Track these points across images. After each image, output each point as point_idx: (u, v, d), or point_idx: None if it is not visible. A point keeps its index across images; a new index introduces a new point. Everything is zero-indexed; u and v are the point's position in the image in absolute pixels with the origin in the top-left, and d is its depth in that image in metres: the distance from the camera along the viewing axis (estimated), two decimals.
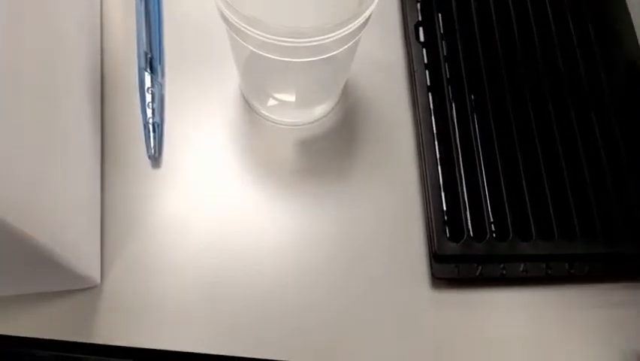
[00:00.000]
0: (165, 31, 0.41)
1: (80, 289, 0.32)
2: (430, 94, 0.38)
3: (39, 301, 0.31)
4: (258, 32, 0.27)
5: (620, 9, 0.42)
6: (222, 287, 0.33)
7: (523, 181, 0.35)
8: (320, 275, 0.34)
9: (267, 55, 0.29)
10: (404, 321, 0.33)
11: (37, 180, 0.25)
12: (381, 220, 0.36)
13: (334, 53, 0.29)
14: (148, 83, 0.37)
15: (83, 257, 0.30)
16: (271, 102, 0.39)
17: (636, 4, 0.42)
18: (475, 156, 0.36)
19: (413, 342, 0.33)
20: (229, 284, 0.33)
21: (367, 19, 0.28)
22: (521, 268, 0.34)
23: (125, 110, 0.38)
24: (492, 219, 0.34)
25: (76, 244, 0.29)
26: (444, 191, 0.35)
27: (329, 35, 0.27)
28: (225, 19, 0.29)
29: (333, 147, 0.38)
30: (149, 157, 0.36)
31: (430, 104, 0.38)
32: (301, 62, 0.29)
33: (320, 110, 0.38)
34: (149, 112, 0.37)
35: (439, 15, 0.41)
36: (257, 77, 0.38)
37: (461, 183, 0.35)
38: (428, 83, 0.39)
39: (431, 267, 0.34)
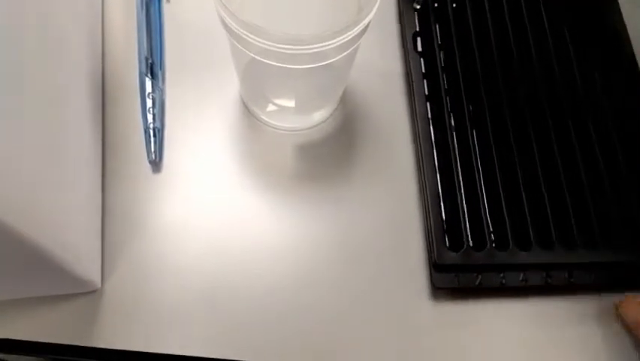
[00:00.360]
0: (166, 37, 0.41)
1: (81, 293, 0.32)
2: (428, 104, 0.39)
3: (40, 305, 0.32)
4: (258, 39, 0.28)
5: (614, 13, 0.43)
6: (222, 291, 0.33)
7: (522, 190, 0.35)
8: (318, 280, 0.34)
9: (267, 61, 0.29)
10: (402, 329, 0.33)
11: (37, 183, 0.25)
12: (379, 227, 0.36)
13: (333, 60, 0.29)
14: (149, 88, 0.38)
15: (84, 261, 0.30)
16: (270, 108, 0.39)
17: (625, 3, 0.42)
18: (473, 165, 0.36)
19: (411, 351, 0.33)
20: (229, 288, 0.33)
21: (366, 27, 0.29)
22: (521, 278, 0.34)
23: (126, 115, 0.38)
24: (491, 229, 0.35)
25: (76, 248, 0.29)
26: (443, 200, 0.35)
27: (328, 43, 0.27)
28: (226, 25, 0.29)
29: (332, 153, 0.38)
30: (150, 162, 0.36)
31: (428, 114, 0.38)
32: (301, 68, 0.30)
33: (319, 115, 0.39)
34: (149, 117, 0.37)
35: (437, 25, 0.41)
36: (256, 82, 0.38)
37: (460, 192, 0.35)
38: (426, 93, 0.39)
39: (431, 276, 0.34)
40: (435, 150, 0.37)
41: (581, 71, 0.40)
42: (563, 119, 0.38)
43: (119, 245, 0.34)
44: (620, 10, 0.43)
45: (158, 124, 0.37)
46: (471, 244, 0.34)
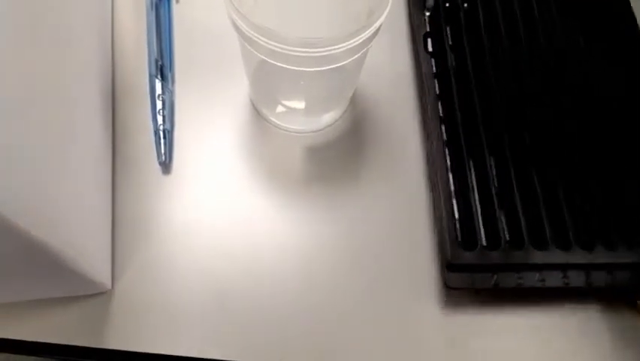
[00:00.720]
0: (175, 38, 0.41)
1: (91, 295, 0.32)
2: (439, 102, 0.38)
3: (50, 306, 0.32)
4: (268, 42, 0.28)
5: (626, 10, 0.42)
6: (233, 292, 0.33)
7: (537, 188, 0.35)
8: (328, 281, 0.34)
9: (277, 64, 0.29)
10: (414, 330, 0.33)
11: (48, 184, 0.25)
12: (388, 229, 0.36)
13: (343, 63, 0.29)
14: (159, 90, 0.38)
15: (94, 262, 0.31)
16: (280, 109, 0.39)
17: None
18: (486, 163, 0.36)
19: (422, 354, 0.33)
20: (239, 289, 0.33)
21: (377, 30, 0.29)
22: (537, 278, 0.33)
23: (136, 117, 0.38)
24: (506, 228, 0.34)
25: (87, 249, 0.30)
26: (455, 199, 0.34)
27: (339, 46, 0.27)
28: (237, 27, 0.29)
29: (341, 155, 0.38)
30: (160, 163, 0.36)
31: (439, 113, 0.38)
32: (311, 71, 0.30)
33: (328, 118, 0.39)
34: (159, 119, 0.37)
35: (447, 26, 0.41)
36: (266, 84, 0.38)
37: (473, 190, 0.35)
38: (437, 92, 0.39)
39: (445, 277, 0.33)
40: (446, 149, 0.36)
41: (596, 69, 0.39)
42: (576, 111, 0.38)
43: (129, 246, 0.34)
44: (630, 7, 0.42)
45: (168, 126, 0.37)
46: (485, 244, 0.33)
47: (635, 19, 0.41)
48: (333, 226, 0.35)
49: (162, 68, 0.39)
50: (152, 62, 0.39)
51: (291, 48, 0.27)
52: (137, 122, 0.38)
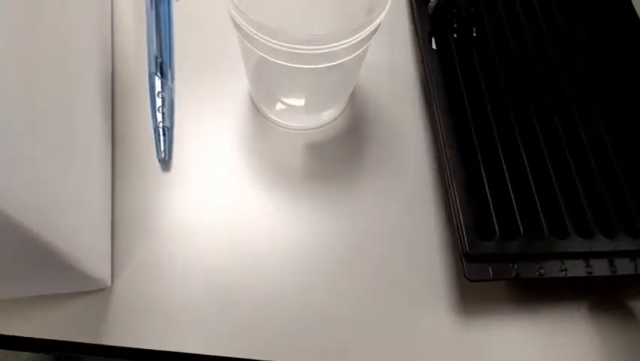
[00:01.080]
0: (175, 36, 0.41)
1: (91, 291, 0.32)
2: (445, 93, 0.38)
3: (50, 302, 0.32)
4: (268, 39, 0.28)
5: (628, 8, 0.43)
6: (233, 289, 0.33)
7: (552, 175, 0.34)
8: (329, 279, 0.34)
9: (277, 61, 0.29)
10: (419, 329, 0.33)
11: (48, 181, 0.25)
12: (390, 225, 0.36)
13: (343, 60, 0.29)
14: (158, 87, 0.38)
15: (94, 259, 0.31)
16: (279, 107, 0.39)
17: None
18: (498, 152, 0.35)
19: (427, 352, 0.33)
20: (239, 286, 0.33)
21: (377, 28, 0.29)
22: (560, 268, 0.32)
23: (136, 114, 0.38)
24: (523, 216, 0.33)
25: (86, 246, 0.30)
26: (469, 189, 0.34)
27: (339, 43, 0.27)
28: (237, 25, 0.29)
29: (341, 152, 0.38)
30: (160, 161, 0.36)
31: (447, 105, 0.37)
32: (310, 68, 0.30)
33: (328, 115, 0.39)
34: (159, 116, 0.37)
35: (451, 23, 0.42)
36: (266, 82, 0.38)
37: (486, 180, 0.34)
38: (444, 86, 0.38)
39: (463, 268, 0.32)
40: (457, 140, 0.36)
41: (599, 61, 0.40)
42: (586, 101, 0.38)
43: (128, 243, 0.34)
44: (632, 5, 0.43)
45: (167, 123, 0.37)
46: (503, 233, 0.32)
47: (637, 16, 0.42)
48: (333, 224, 0.35)
49: (162, 65, 0.39)
50: (152, 60, 0.39)
51: (291, 45, 0.27)
52: (136, 119, 0.38)
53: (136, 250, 0.34)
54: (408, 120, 0.40)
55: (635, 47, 0.41)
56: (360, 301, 0.33)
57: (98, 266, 0.31)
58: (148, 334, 0.32)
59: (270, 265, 0.34)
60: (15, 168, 0.21)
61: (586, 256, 0.33)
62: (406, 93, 0.41)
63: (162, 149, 0.36)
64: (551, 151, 0.36)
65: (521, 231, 0.33)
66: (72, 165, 0.28)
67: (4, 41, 0.21)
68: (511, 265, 0.32)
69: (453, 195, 0.33)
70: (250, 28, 0.28)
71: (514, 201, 0.34)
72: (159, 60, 0.39)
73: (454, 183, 0.34)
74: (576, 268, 0.32)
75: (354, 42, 0.28)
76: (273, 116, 0.39)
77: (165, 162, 0.36)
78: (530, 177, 0.35)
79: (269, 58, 0.29)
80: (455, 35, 0.41)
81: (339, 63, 0.30)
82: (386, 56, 0.42)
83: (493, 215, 0.33)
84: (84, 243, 0.29)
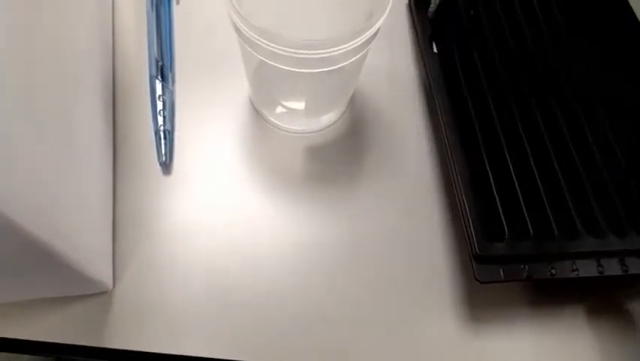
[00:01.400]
0: (176, 39, 0.42)
1: (92, 294, 0.32)
2: (447, 95, 0.38)
3: (52, 305, 0.32)
4: (268, 43, 0.28)
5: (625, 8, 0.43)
6: (233, 292, 0.33)
7: (560, 176, 0.34)
8: (329, 282, 0.34)
9: (277, 65, 0.30)
10: (419, 330, 0.33)
11: (49, 184, 0.25)
12: (390, 228, 0.36)
13: (343, 64, 0.30)
14: (159, 90, 0.38)
15: (95, 262, 0.31)
16: (280, 110, 0.39)
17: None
18: (504, 153, 0.36)
19: (428, 354, 0.33)
20: (240, 289, 0.33)
21: (376, 32, 0.29)
22: (572, 268, 0.32)
23: (137, 118, 0.38)
24: (531, 216, 0.33)
25: (88, 249, 0.30)
26: (476, 190, 0.34)
27: (338, 48, 0.28)
28: (237, 29, 0.29)
29: (341, 155, 0.38)
30: (160, 164, 0.36)
31: (450, 105, 0.37)
32: (310, 72, 0.30)
33: (328, 118, 0.39)
34: (160, 119, 0.37)
35: (451, 24, 0.42)
36: (266, 85, 0.38)
37: (493, 182, 0.34)
38: (446, 88, 0.38)
39: (473, 270, 0.31)
40: (461, 141, 0.36)
41: (599, 59, 0.40)
42: (587, 103, 0.38)
43: (130, 246, 0.34)
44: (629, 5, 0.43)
45: (168, 126, 0.37)
46: (512, 234, 0.32)
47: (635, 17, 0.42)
48: (334, 226, 0.36)
49: (163, 68, 0.39)
50: (153, 63, 0.39)
51: (291, 50, 0.28)
52: (137, 122, 0.38)
53: (137, 253, 0.34)
54: (408, 123, 0.40)
55: (633, 46, 0.41)
56: (360, 303, 0.33)
57: (99, 269, 0.31)
58: (149, 336, 0.32)
59: (271, 266, 0.34)
60: (15, 170, 0.21)
61: (597, 256, 0.32)
62: (406, 96, 0.41)
63: (163, 152, 0.36)
64: (557, 150, 0.36)
65: (531, 231, 0.33)
66: (72, 166, 0.28)
67: (4, 42, 0.22)
68: (522, 266, 0.32)
69: (460, 197, 0.33)
70: (250, 33, 0.28)
71: (522, 201, 0.34)
72: (160, 63, 0.39)
73: (461, 185, 0.34)
74: (587, 268, 0.32)
75: (354, 46, 0.28)
76: (273, 120, 0.39)
77: (166, 165, 0.37)
78: (537, 176, 0.35)
79: (269, 62, 0.30)
80: (456, 38, 0.41)
81: (339, 67, 0.30)
82: (386, 59, 0.42)
83: (502, 216, 0.33)
84: (85, 245, 0.29)
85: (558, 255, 0.32)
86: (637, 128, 0.37)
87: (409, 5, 0.44)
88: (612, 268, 0.32)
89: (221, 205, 0.36)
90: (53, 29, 0.28)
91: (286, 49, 0.28)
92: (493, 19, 0.42)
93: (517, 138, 0.36)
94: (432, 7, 0.42)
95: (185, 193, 0.36)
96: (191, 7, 0.43)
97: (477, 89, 0.38)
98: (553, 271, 0.32)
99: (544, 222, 0.33)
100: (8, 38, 0.22)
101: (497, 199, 0.34)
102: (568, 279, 0.32)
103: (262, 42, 0.28)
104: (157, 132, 0.37)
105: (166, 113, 0.38)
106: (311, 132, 0.39)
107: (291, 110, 0.39)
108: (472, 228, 0.32)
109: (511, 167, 0.35)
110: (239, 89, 0.40)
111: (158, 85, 0.38)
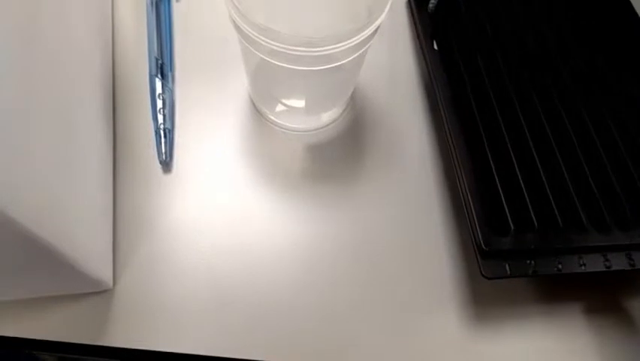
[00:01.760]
0: (176, 37, 0.42)
1: (93, 293, 0.32)
2: (450, 91, 0.38)
3: (52, 304, 0.32)
4: (268, 41, 0.28)
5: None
6: (234, 290, 0.33)
7: (564, 170, 0.34)
8: (330, 280, 0.34)
9: (277, 63, 0.29)
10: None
11: (49, 182, 0.25)
12: (391, 225, 0.36)
13: (343, 62, 0.30)
14: (159, 89, 0.38)
15: (95, 260, 0.31)
16: (280, 108, 0.39)
17: None
18: (508, 148, 0.35)
19: (428, 353, 0.32)
20: (241, 287, 0.33)
21: (376, 30, 0.29)
22: (579, 263, 0.32)
23: (137, 116, 0.38)
24: (536, 211, 0.33)
25: (88, 247, 0.30)
26: (480, 185, 0.34)
27: (338, 45, 0.28)
28: (237, 26, 0.29)
29: (341, 153, 0.38)
30: (161, 162, 0.36)
31: (452, 101, 0.37)
32: (310, 70, 0.30)
33: (328, 116, 0.39)
34: (160, 118, 0.37)
35: (451, 21, 0.42)
36: (266, 83, 0.38)
37: (496, 176, 0.34)
38: (448, 83, 0.38)
39: (478, 265, 0.31)
40: (464, 136, 0.36)
41: (600, 55, 0.40)
42: (590, 97, 0.38)
43: (130, 245, 0.34)
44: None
45: (168, 125, 0.37)
46: (517, 228, 0.32)
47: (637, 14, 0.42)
48: (334, 224, 0.36)
49: (162, 67, 0.39)
50: (153, 61, 0.39)
51: (291, 47, 0.27)
52: (137, 121, 0.38)
53: (138, 252, 0.34)
54: (408, 121, 0.40)
55: (636, 42, 0.41)
56: (363, 302, 0.33)
57: (99, 267, 0.31)
58: (150, 334, 0.32)
59: (271, 265, 0.34)
60: (15, 168, 0.21)
61: (603, 250, 0.32)
62: (407, 94, 0.41)
63: (163, 150, 0.36)
64: (560, 144, 0.36)
65: (536, 226, 0.32)
66: (72, 165, 0.28)
67: (4, 42, 0.22)
68: (528, 261, 0.31)
69: (464, 192, 0.33)
70: (250, 31, 0.28)
71: (526, 196, 0.34)
72: (160, 62, 0.39)
73: (464, 180, 0.33)
74: (594, 263, 0.32)
75: (354, 44, 0.28)
76: (273, 118, 0.39)
77: (166, 164, 0.37)
78: (541, 171, 0.35)
79: (269, 60, 0.30)
80: (456, 34, 0.41)
81: (339, 65, 0.30)
82: (386, 57, 0.42)
83: (507, 211, 0.33)
84: (85, 244, 0.29)
85: (564, 249, 0.32)
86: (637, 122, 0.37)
87: (409, 2, 0.44)
88: (619, 262, 0.32)
89: (222, 203, 0.36)
90: (53, 28, 0.28)
91: (286, 46, 0.28)
92: (494, 14, 0.42)
93: (520, 132, 0.36)
94: (432, 4, 0.42)
95: (186, 191, 0.36)
96: (191, 5, 0.43)
97: (479, 84, 0.38)
98: (560, 266, 0.31)
99: (550, 216, 0.33)
100: (8, 38, 0.22)
101: (502, 194, 0.34)
102: (572, 275, 0.32)
103: (262, 39, 0.28)
104: (157, 131, 0.37)
105: (166, 112, 0.38)
106: (311, 130, 0.39)
107: (291, 108, 0.39)
108: (476, 223, 0.32)
109: (514, 162, 0.35)
110: (239, 87, 0.40)
111: (158, 83, 0.38)
